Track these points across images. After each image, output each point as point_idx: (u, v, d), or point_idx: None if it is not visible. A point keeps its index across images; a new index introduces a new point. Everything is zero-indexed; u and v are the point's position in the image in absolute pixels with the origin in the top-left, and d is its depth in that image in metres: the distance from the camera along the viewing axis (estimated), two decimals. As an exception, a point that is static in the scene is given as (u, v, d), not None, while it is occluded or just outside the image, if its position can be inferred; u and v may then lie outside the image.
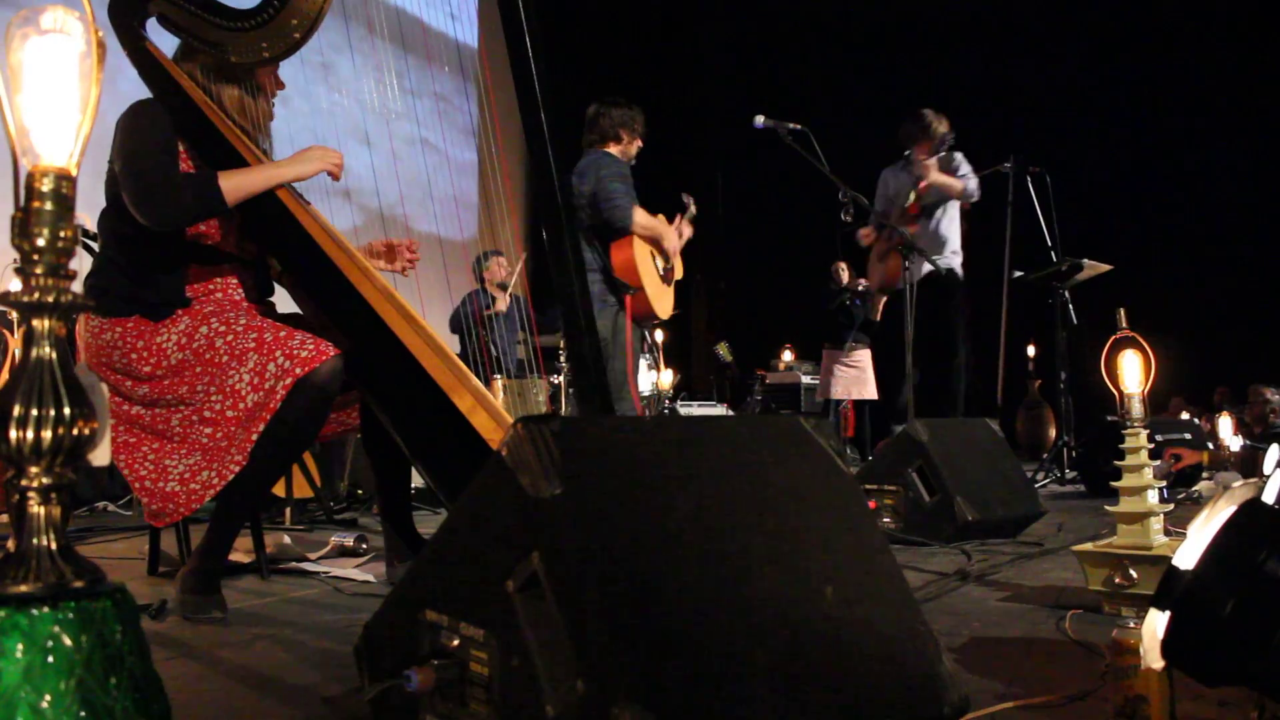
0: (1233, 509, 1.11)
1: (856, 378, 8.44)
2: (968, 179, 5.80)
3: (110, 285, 2.42)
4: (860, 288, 8.28)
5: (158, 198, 2.32)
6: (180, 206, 2.34)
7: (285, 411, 2.27)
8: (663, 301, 4.82)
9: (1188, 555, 1.11)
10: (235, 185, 2.37)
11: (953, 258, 5.85)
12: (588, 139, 4.76)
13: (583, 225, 4.50)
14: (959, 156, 5.95)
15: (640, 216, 4.59)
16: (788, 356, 9.91)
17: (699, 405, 8.32)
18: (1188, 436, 5.22)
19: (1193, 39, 9.54)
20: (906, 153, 5.99)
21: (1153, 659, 1.14)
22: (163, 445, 2.40)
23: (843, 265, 8.69)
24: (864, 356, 8.43)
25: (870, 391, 8.38)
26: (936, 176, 5.75)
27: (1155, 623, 1.13)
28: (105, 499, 5.06)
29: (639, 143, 4.79)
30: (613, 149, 4.72)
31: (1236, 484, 1.15)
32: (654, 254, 4.79)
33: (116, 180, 2.41)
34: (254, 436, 2.28)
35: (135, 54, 2.53)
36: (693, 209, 5.06)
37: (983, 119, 9.69)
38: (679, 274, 4.98)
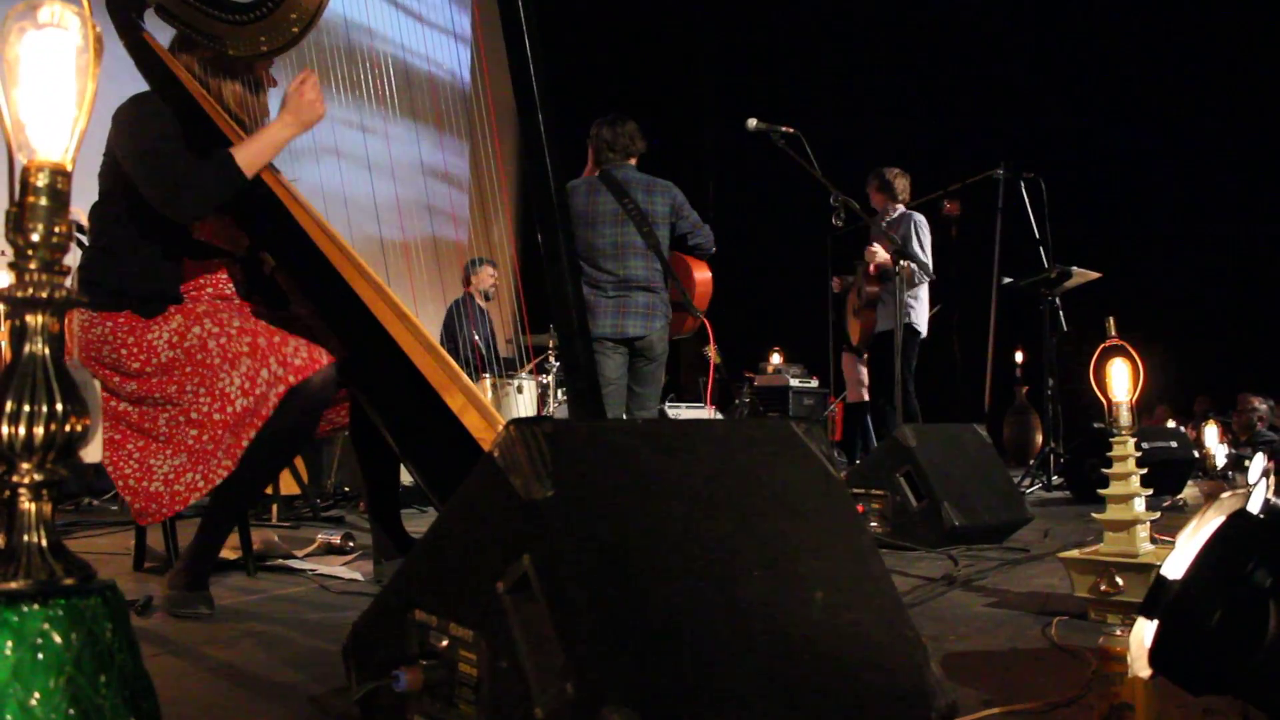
0: (1221, 519, 1.12)
1: None
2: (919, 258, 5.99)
3: (102, 279, 2.41)
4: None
5: (184, 191, 2.32)
6: (206, 194, 2.33)
7: (277, 419, 2.26)
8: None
9: (1176, 565, 1.11)
10: (250, 157, 2.36)
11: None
12: (630, 151, 4.81)
13: (654, 243, 4.65)
14: (920, 221, 6.14)
15: None
16: (776, 359, 9.90)
17: (687, 407, 8.31)
18: (1174, 444, 5.24)
19: (1186, 47, 9.58)
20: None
21: (1140, 667, 1.15)
22: (148, 444, 2.39)
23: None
24: None
25: None
26: (882, 260, 6.03)
27: (1143, 631, 1.13)
28: (90, 494, 5.04)
29: None
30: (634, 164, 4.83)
31: (1225, 494, 1.16)
32: None
33: (113, 173, 2.40)
34: (244, 443, 2.28)
35: (132, 45, 2.52)
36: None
37: (975, 124, 9.73)
38: None
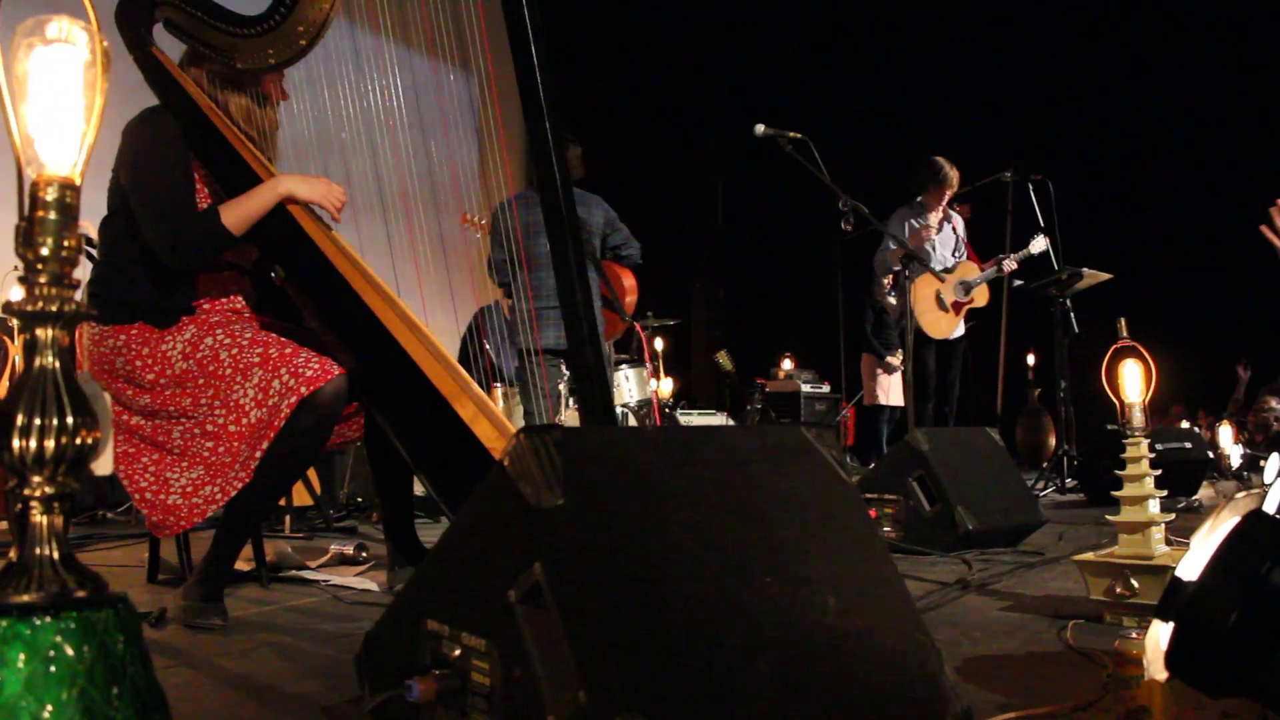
0: (1236, 520, 1.11)
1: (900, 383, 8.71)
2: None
3: (113, 293, 2.41)
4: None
5: (174, 252, 2.36)
6: (197, 257, 2.39)
7: (289, 430, 2.26)
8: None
9: (1191, 566, 1.10)
10: (239, 217, 2.39)
11: None
12: (575, 173, 4.99)
13: (589, 254, 4.83)
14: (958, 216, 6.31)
15: None
16: (787, 365, 9.89)
17: (699, 414, 8.31)
18: (1188, 445, 5.21)
19: (1195, 46, 9.55)
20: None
21: (1156, 670, 1.14)
22: (163, 457, 2.40)
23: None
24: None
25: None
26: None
27: (1159, 634, 1.13)
28: (104, 506, 5.06)
29: None
30: None
31: (1239, 494, 1.15)
32: None
33: (120, 191, 2.41)
34: (258, 454, 2.28)
35: (141, 59, 2.53)
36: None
37: (984, 126, 9.72)
38: None
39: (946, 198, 6.29)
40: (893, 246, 6.24)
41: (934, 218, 6.28)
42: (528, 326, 4.57)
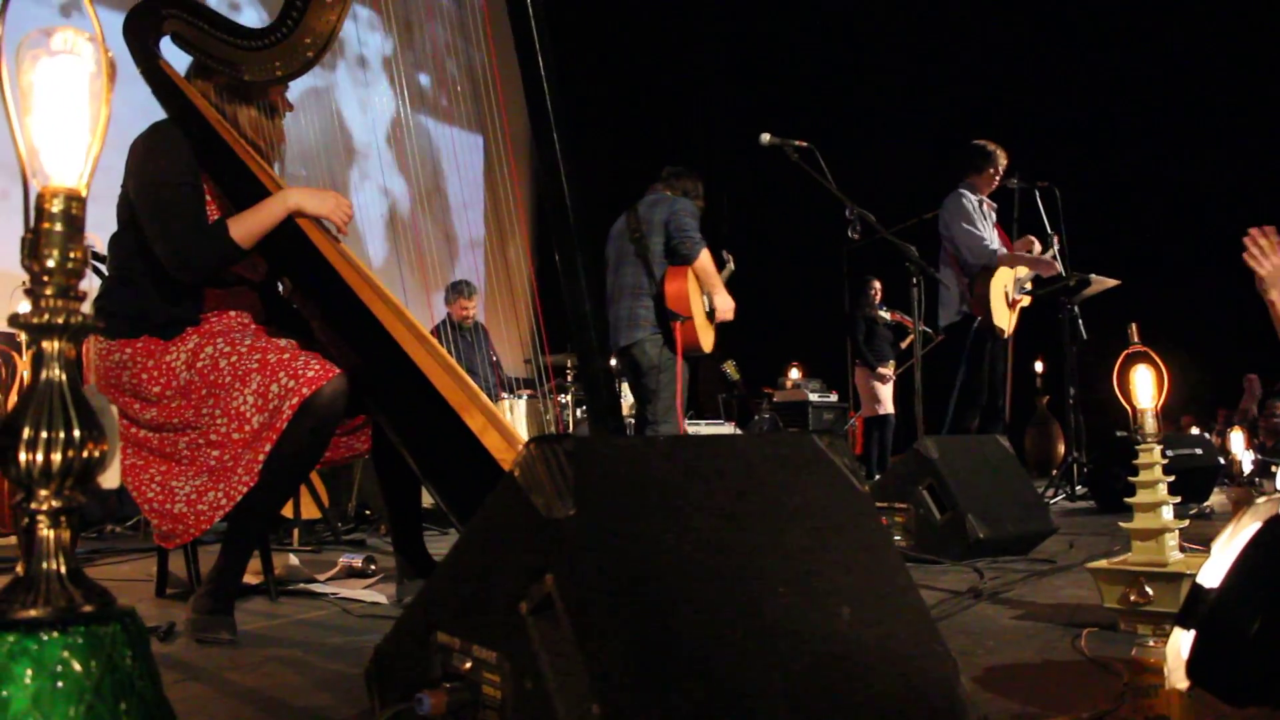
0: (1257, 526, 1.09)
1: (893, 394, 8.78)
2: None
3: (120, 308, 2.41)
4: (893, 318, 8.56)
5: (183, 269, 2.38)
6: (202, 267, 2.40)
7: (291, 432, 2.26)
8: (707, 335, 5.08)
9: (1212, 573, 1.09)
10: (248, 230, 2.39)
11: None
12: (668, 184, 5.11)
13: (642, 250, 4.87)
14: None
15: (705, 258, 4.93)
16: (795, 374, 9.88)
17: (706, 424, 8.30)
18: (1198, 451, 5.19)
19: (1202, 51, 9.54)
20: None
21: (1177, 678, 1.12)
22: (170, 467, 2.39)
23: (878, 284, 8.77)
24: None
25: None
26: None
27: (1179, 642, 1.11)
28: (113, 521, 5.06)
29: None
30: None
31: (1260, 499, 1.13)
32: (701, 292, 5.04)
33: (131, 205, 2.41)
34: (261, 457, 2.27)
35: (149, 72, 2.54)
36: (731, 266, 5.73)
37: (990, 133, 9.71)
38: (729, 316, 5.15)
39: (996, 182, 6.01)
40: (967, 228, 5.87)
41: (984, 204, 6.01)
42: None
